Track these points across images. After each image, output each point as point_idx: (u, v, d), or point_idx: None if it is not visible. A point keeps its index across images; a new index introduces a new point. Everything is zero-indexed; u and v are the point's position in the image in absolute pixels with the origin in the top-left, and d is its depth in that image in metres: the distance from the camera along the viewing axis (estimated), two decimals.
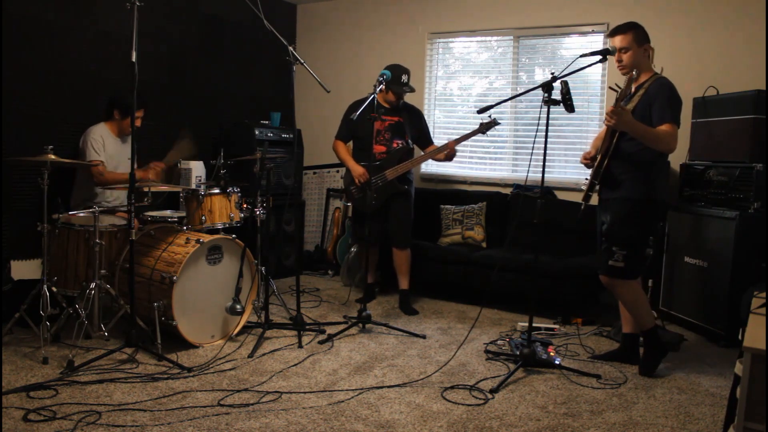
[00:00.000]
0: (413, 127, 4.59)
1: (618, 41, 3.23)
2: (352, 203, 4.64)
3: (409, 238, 4.52)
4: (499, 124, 4.34)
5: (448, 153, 4.41)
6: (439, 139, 5.46)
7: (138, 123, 3.88)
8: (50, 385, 2.85)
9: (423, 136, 4.67)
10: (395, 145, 4.48)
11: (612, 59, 3.28)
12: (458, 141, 4.41)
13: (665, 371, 3.35)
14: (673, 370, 3.39)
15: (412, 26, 5.58)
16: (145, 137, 4.08)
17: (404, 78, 4.36)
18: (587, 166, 3.51)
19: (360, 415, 2.70)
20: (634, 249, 3.24)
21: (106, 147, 3.96)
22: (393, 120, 4.50)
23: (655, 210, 3.32)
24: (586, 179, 3.39)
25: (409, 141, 4.56)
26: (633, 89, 3.29)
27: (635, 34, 3.22)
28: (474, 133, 4.35)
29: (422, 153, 4.62)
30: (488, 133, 4.36)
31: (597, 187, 3.33)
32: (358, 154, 4.56)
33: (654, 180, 3.23)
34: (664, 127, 3.10)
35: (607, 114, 3.11)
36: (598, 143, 3.50)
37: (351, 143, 4.76)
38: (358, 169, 4.42)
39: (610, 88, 3.36)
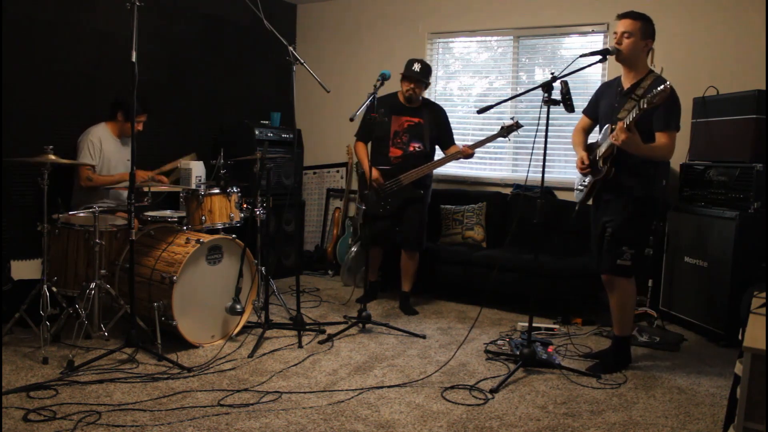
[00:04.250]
0: (434, 127, 4.44)
1: (624, 25, 3.18)
2: (365, 206, 4.56)
3: (421, 242, 4.46)
4: (522, 126, 4.15)
5: (464, 155, 4.31)
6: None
7: (140, 127, 3.88)
8: (50, 385, 2.84)
9: (445, 136, 4.51)
10: (411, 148, 4.38)
11: (612, 59, 3.25)
12: (476, 145, 4.28)
13: (665, 371, 3.36)
14: (673, 370, 3.39)
15: (412, 26, 5.58)
16: (145, 139, 4.07)
17: (416, 66, 4.25)
18: (589, 175, 3.39)
19: (360, 415, 2.70)
20: (640, 247, 3.31)
21: (104, 149, 3.94)
22: (413, 121, 4.39)
23: (654, 208, 3.32)
24: (584, 180, 3.38)
25: (427, 144, 4.42)
26: (627, 87, 3.24)
27: (644, 25, 3.18)
28: (494, 137, 4.20)
29: (443, 155, 4.46)
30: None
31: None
32: (373, 156, 4.46)
33: (654, 178, 3.23)
34: (664, 138, 3.10)
35: (618, 131, 3.00)
36: (578, 138, 3.48)
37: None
38: (372, 174, 4.31)
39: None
